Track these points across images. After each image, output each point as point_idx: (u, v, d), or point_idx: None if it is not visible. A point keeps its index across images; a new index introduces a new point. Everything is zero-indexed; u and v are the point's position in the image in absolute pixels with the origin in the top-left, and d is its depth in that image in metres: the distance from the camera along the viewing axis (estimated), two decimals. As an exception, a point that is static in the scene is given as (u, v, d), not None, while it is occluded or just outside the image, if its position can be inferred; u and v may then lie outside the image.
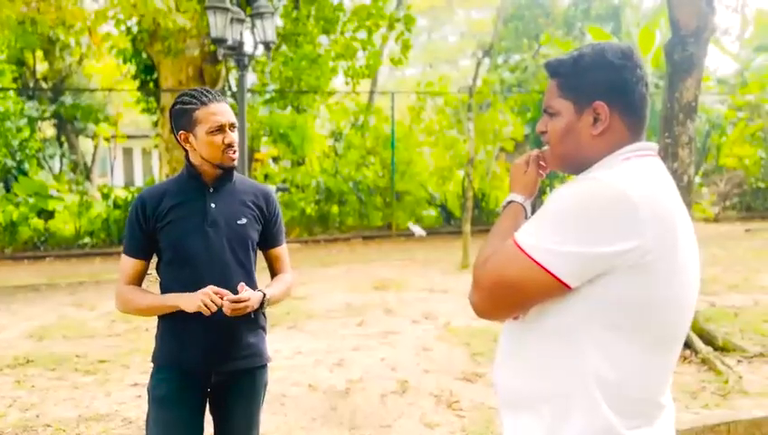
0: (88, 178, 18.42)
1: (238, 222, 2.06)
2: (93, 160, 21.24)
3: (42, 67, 17.81)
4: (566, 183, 1.26)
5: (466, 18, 28.77)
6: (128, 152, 26.95)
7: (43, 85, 17.40)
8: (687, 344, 4.52)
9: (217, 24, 5.34)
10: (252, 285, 2.08)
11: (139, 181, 24.49)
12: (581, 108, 1.29)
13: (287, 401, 3.94)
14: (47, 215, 10.93)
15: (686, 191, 4.62)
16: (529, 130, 13.69)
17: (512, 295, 1.21)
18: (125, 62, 12.76)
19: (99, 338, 5.47)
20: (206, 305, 1.89)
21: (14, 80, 16.05)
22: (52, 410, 3.91)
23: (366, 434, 3.48)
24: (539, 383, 1.25)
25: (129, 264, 2.08)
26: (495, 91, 13.34)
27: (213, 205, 2.05)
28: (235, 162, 2.07)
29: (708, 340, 4.64)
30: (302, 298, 6.92)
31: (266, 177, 13.63)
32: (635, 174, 1.21)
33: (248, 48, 6.45)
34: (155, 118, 14.24)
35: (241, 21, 5.58)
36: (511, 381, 1.31)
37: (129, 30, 11.78)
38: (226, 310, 1.91)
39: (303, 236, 12.05)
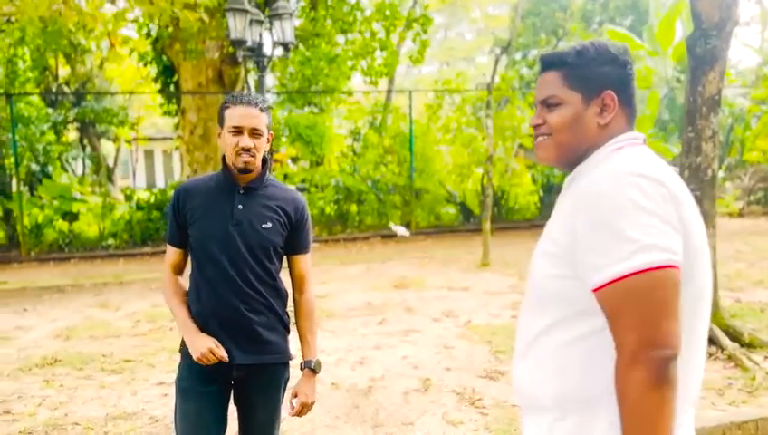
0: (110, 180, 18.67)
1: (263, 225, 2.09)
2: (115, 163, 21.53)
3: (64, 72, 18.08)
4: (575, 202, 1.24)
5: (483, 15, 28.64)
6: (149, 154, 27.27)
7: (66, 90, 17.67)
8: (713, 341, 4.46)
9: (237, 26, 5.39)
10: (275, 287, 2.15)
11: (160, 183, 24.75)
12: (589, 98, 1.32)
13: (310, 400, 3.96)
14: (71, 217, 11.09)
15: (710, 186, 4.56)
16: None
17: (671, 318, 1.12)
18: (145, 65, 12.91)
19: (124, 338, 5.56)
20: (204, 359, 1.98)
21: (38, 85, 16.32)
22: (80, 408, 3.98)
23: (389, 432, 3.49)
24: (561, 386, 1.24)
25: (170, 251, 2.21)
26: (514, 88, 13.27)
27: (240, 206, 2.09)
28: (249, 166, 2.06)
29: (734, 336, 4.58)
30: (322, 297, 6.95)
31: (285, 177, 13.70)
32: (640, 160, 1.24)
33: (267, 49, 6.49)
34: (175, 120, 14.41)
35: (260, 22, 5.62)
36: (532, 384, 1.31)
37: (149, 33, 11.94)
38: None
39: (323, 235, 12.09)
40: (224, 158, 2.13)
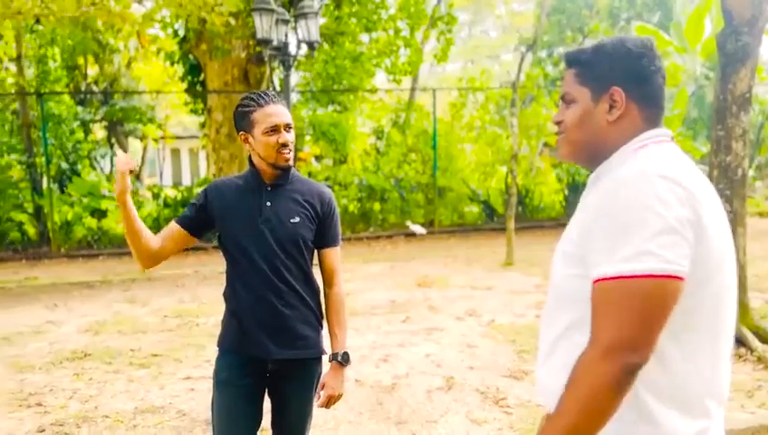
0: (138, 178, 18.95)
1: (291, 220, 2.12)
2: (142, 161, 21.85)
3: (93, 71, 18.39)
4: (592, 197, 1.23)
5: (508, 12, 28.44)
6: (175, 153, 27.62)
7: (95, 89, 17.98)
8: (742, 342, 4.40)
9: (263, 26, 5.43)
10: (307, 282, 2.18)
11: (186, 181, 25.07)
12: (598, 94, 1.31)
13: (334, 396, 3.99)
14: (100, 214, 11.29)
15: (741, 184, 4.48)
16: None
17: (655, 329, 1.11)
18: (172, 64, 13.07)
19: (151, 333, 5.65)
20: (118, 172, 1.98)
21: (67, 84, 16.63)
22: (109, 401, 4.06)
23: (413, 429, 3.51)
24: None
25: (171, 227, 2.18)
26: (539, 86, 13.16)
27: (269, 203, 2.13)
28: (290, 162, 2.13)
29: (764, 337, 4.50)
30: (346, 295, 6.97)
31: (309, 175, 13.78)
32: (662, 158, 1.22)
33: (292, 48, 6.54)
34: (202, 119, 14.57)
35: (286, 22, 5.67)
36: (554, 385, 1.29)
37: (175, 32, 12.09)
38: None
39: (346, 233, 12.14)
40: (250, 158, 2.18)
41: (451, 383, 4.15)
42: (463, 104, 13.14)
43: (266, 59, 7.24)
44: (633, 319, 1.09)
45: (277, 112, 2.09)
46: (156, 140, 22.42)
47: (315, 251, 2.23)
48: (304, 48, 7.26)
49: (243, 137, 2.15)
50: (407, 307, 6.34)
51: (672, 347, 1.16)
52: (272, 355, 2.11)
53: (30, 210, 11.18)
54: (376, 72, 13.94)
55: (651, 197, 1.12)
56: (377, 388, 4.12)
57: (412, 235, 12.07)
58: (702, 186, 1.21)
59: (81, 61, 17.11)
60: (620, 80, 1.29)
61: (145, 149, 22.83)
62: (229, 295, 2.18)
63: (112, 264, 9.95)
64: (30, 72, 13.28)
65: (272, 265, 2.10)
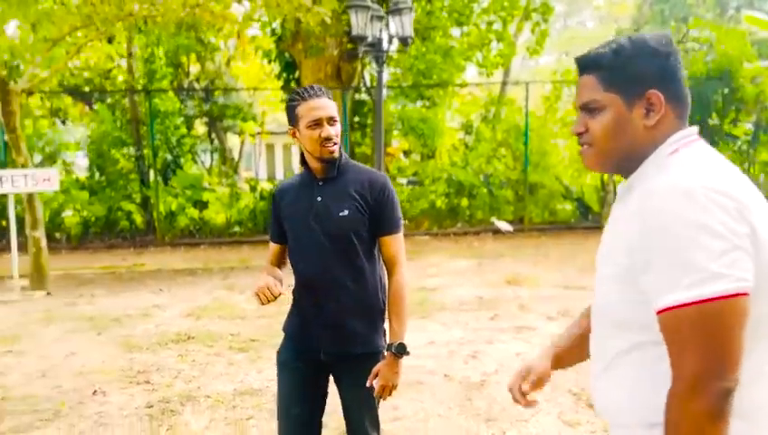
0: (235, 171, 19.79)
1: (340, 214, 2.11)
2: (240, 155, 22.80)
3: (195, 69, 19.37)
4: (635, 215, 1.15)
5: (607, 2, 27.34)
6: (270, 148, 28.59)
7: (196, 86, 18.92)
8: None
9: (359, 23, 5.53)
10: (362, 276, 2.14)
11: (280, 175, 25.93)
12: (632, 99, 1.23)
13: (423, 389, 4.03)
14: (201, 205, 11.91)
15: None
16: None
17: (738, 349, 1.07)
18: (269, 62, 13.53)
19: (249, 319, 5.91)
20: (260, 293, 2.01)
21: (171, 81, 17.61)
22: (210, 382, 4.30)
23: (503, 427, 3.48)
24: (643, 403, 1.19)
25: (270, 247, 2.34)
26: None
27: (319, 198, 2.15)
28: (335, 154, 2.11)
29: None
30: (432, 290, 7.00)
31: (399, 170, 13.88)
32: (700, 166, 1.16)
33: (385, 44, 6.62)
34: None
35: (380, 18, 5.74)
36: (614, 402, 1.27)
37: (273, 31, 12.51)
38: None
39: (433, 228, 12.14)
40: (301, 155, 2.21)
41: (542, 383, 4.07)
42: (558, 97, 12.77)
43: (360, 55, 7.36)
44: (715, 345, 1.06)
45: (320, 106, 2.07)
46: (252, 136, 23.30)
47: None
48: (395, 43, 7.31)
49: (291, 132, 2.18)
50: (495, 304, 6.27)
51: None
52: (322, 349, 2.16)
53: (138, 201, 11.95)
54: (466, 66, 13.81)
55: (705, 214, 1.07)
56: (465, 384, 4.12)
57: (500, 231, 11.90)
58: (746, 188, 1.15)
59: (184, 59, 18.06)
60: (655, 82, 1.22)
61: (242, 144, 23.83)
62: (295, 294, 2.26)
63: (212, 252, 10.46)
64: (138, 71, 14.16)
65: (323, 261, 2.12)
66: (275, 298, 2.03)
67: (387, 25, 6.55)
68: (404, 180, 13.54)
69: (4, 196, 8.11)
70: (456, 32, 12.48)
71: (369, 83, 12.75)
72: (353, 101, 13.29)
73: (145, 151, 12.28)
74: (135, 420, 3.70)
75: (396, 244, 2.17)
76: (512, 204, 12.51)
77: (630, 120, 1.24)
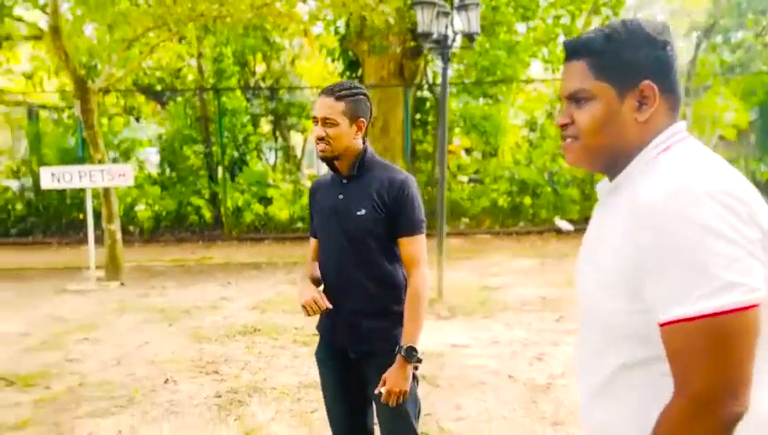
0: (298, 168, 20.14)
1: (357, 213, 2.08)
2: (302, 153, 23.17)
3: (260, 69, 19.80)
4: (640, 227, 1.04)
5: (679, -6, 26.20)
6: (330, 145, 28.91)
7: (262, 85, 19.34)
8: None
9: (424, 19, 5.51)
10: (381, 274, 2.11)
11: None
12: (624, 90, 1.13)
13: (487, 389, 3.98)
14: (266, 202, 12.18)
15: None
16: (756, 116, 12.13)
17: (750, 366, 0.98)
18: (333, 61, 13.69)
19: (312, 314, 5.99)
20: (308, 307, 2.04)
21: (238, 80, 18.07)
22: (276, 374, 4.38)
23: (570, 431, 3.39)
24: (647, 425, 1.07)
25: (311, 243, 2.38)
26: (715, 73, 12.02)
27: (341, 196, 2.15)
28: (325, 153, 2.08)
29: None
30: (495, 289, 6.92)
31: (459, 168, 13.78)
32: (700, 166, 1.06)
33: (450, 40, 6.57)
34: (357, 112, 15.09)
35: (446, 14, 5.70)
36: (614, 425, 1.16)
37: (336, 30, 12.65)
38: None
39: (495, 227, 12.00)
40: None
41: (611, 388, 3.95)
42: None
43: (424, 52, 7.34)
44: (727, 363, 0.96)
45: (319, 104, 2.06)
46: (315, 134, 23.58)
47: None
48: (458, 40, 7.25)
49: None
50: (559, 305, 6.13)
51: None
52: (349, 347, 2.17)
53: (206, 196, 12.34)
54: (531, 61, 13.56)
55: (715, 218, 0.97)
56: (530, 386, 4.04)
57: (563, 231, 11.63)
58: (750, 190, 1.05)
59: (250, 59, 18.49)
60: (649, 72, 1.12)
61: (305, 141, 24.19)
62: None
63: (276, 247, 10.68)
64: (207, 70, 14.61)
65: (342, 259, 2.12)
66: (322, 311, 2.06)
67: (452, 22, 6.50)
68: (465, 178, 13.43)
69: (83, 190, 8.52)
70: (520, 27, 12.27)
71: (431, 80, 12.70)
72: (415, 99, 13.27)
73: (213, 148, 12.64)
74: (204, 410, 3.81)
75: (415, 245, 2.10)
76: (577, 203, 12.21)
77: (621, 112, 1.14)
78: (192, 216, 12.08)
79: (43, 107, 14.02)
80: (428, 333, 5.32)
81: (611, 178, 1.20)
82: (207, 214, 12.20)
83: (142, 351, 5.01)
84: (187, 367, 4.59)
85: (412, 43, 11.37)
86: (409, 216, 2.09)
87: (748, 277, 0.96)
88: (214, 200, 12.35)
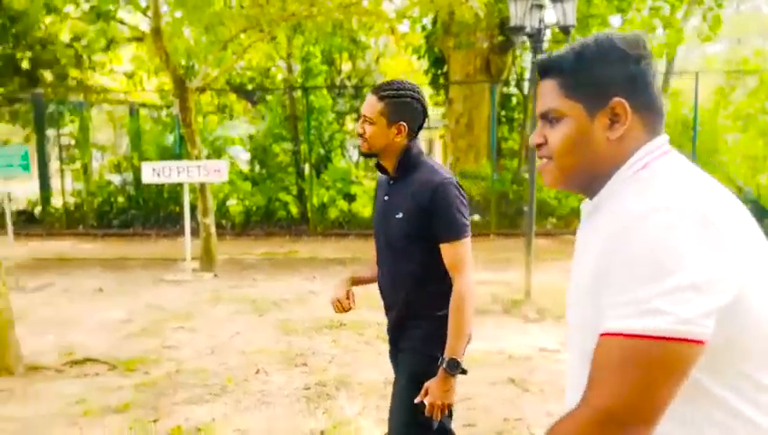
0: (379, 166, 20.29)
1: (396, 216, 2.08)
2: (384, 150, 23.34)
3: (346, 67, 20.09)
4: (610, 237, 0.99)
5: (790, -19, 24.36)
6: (413, 143, 28.97)
7: (347, 83, 19.62)
8: None
9: (517, 13, 5.37)
10: (417, 278, 2.09)
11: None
12: (594, 108, 1.08)
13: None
14: (350, 198, 12.33)
15: None
16: None
17: (662, 399, 0.93)
18: (418, 58, 13.66)
19: (397, 311, 5.99)
20: (333, 305, 2.33)
21: (325, 79, 18.42)
22: (362, 370, 4.41)
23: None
24: None
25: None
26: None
27: (386, 197, 2.16)
28: (363, 149, 2.12)
29: None
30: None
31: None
32: (674, 184, 1.01)
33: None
34: (441, 110, 15.03)
35: (540, 7, 5.53)
36: None
37: (423, 27, 12.61)
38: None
39: (571, 228, 11.57)
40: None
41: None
42: (733, 88, 11.60)
43: (516, 46, 7.17)
44: (634, 385, 0.92)
45: (365, 102, 2.09)
46: (398, 131, 23.70)
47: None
48: (548, 33, 7.05)
49: None
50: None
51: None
52: (395, 344, 2.25)
53: (294, 192, 12.64)
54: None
55: (672, 241, 0.92)
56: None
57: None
58: (732, 210, 1.01)
59: (336, 57, 18.79)
60: (621, 89, 1.06)
61: (387, 139, 24.31)
62: None
63: (360, 243, 10.78)
64: (295, 69, 14.96)
65: (383, 261, 2.19)
66: (346, 310, 2.29)
67: (543, 15, 6.31)
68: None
69: (180, 184, 8.92)
70: (615, 20, 11.77)
71: (518, 76, 12.42)
72: (501, 95, 13.03)
73: (301, 146, 12.93)
74: (294, 401, 3.88)
75: (454, 251, 2.01)
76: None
77: (592, 131, 1.09)
78: (280, 211, 12.40)
79: (144, 105, 14.83)
80: (516, 335, 5.20)
81: (591, 198, 1.17)
82: (294, 210, 12.48)
83: (234, 341, 5.17)
84: (277, 359, 4.70)
85: (500, 38, 11.16)
86: (447, 220, 2.01)
87: (680, 308, 0.90)
88: (301, 196, 12.63)
